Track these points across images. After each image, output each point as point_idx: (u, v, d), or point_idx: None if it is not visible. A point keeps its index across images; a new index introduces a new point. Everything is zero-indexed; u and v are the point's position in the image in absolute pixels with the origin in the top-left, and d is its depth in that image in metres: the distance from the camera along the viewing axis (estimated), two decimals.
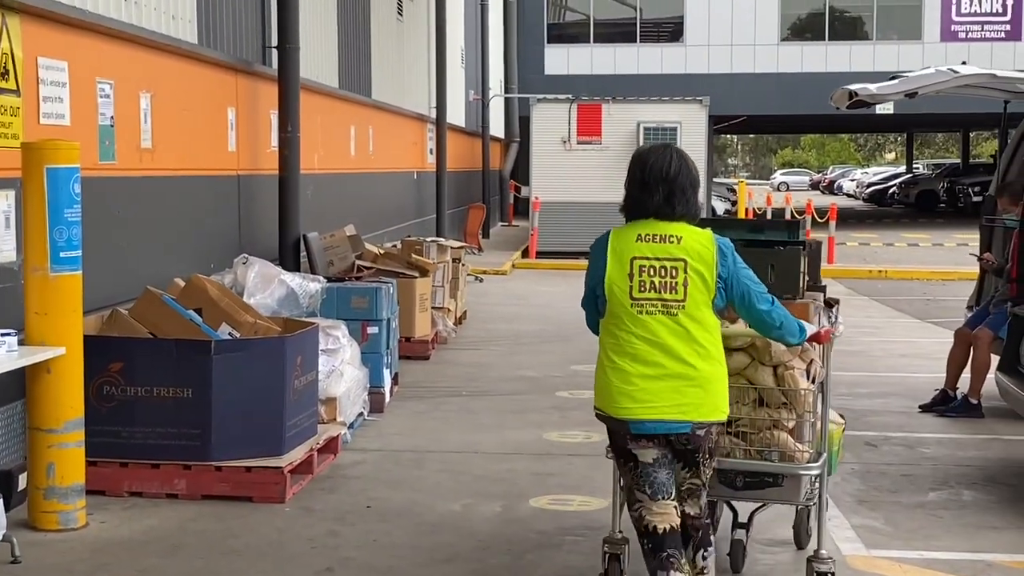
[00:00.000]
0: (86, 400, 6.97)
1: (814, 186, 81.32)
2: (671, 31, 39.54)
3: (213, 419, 7.40)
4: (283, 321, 8.50)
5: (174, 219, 9.92)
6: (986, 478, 8.22)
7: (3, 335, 6.38)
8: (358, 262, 12.76)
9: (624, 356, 5.00)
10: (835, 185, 75.09)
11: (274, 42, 12.11)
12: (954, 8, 37.78)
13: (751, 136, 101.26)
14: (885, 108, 26.81)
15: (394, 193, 19.85)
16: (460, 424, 9.76)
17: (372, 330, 10.33)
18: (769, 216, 29.23)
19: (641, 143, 26.10)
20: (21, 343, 6.59)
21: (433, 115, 22.93)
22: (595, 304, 5.16)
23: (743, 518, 6.27)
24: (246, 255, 9.81)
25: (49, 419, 6.70)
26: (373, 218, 17.37)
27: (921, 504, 7.51)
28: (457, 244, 15.53)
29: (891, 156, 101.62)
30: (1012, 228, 10.00)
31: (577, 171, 24.85)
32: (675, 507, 5.07)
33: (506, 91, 36.02)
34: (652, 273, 4.95)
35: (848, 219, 40.59)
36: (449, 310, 14.31)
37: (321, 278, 9.99)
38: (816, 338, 5.43)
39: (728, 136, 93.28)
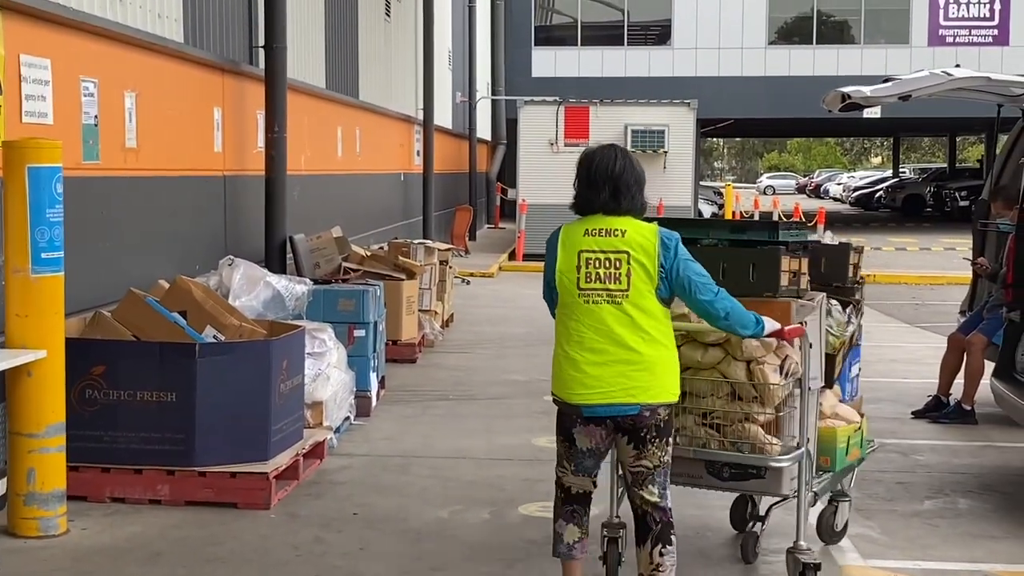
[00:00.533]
0: (68, 404, 6.84)
1: (800, 190, 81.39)
2: (658, 34, 39.47)
3: (197, 424, 7.27)
4: (269, 324, 8.38)
5: (159, 220, 9.79)
6: (982, 486, 8.12)
7: None
8: (345, 264, 12.65)
9: (574, 344, 5.29)
10: (821, 189, 75.18)
11: (261, 42, 12.00)
12: (942, 13, 37.79)
13: (737, 139, 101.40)
14: (872, 112, 26.80)
15: (381, 195, 19.73)
16: (447, 429, 9.65)
17: (359, 333, 10.21)
18: (756, 219, 29.15)
19: (629, 146, 26.11)
20: (1, 346, 6.48)
21: (420, 116, 22.82)
22: (552, 297, 5.47)
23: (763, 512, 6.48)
24: (231, 257, 9.68)
25: (30, 423, 6.57)
26: (360, 220, 17.26)
27: (917, 513, 7.42)
28: (444, 246, 15.41)
29: (877, 160, 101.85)
30: (1006, 232, 9.92)
31: (564, 174, 24.22)
32: (593, 481, 5.48)
33: (493, 93, 35.94)
34: (598, 265, 5.24)
35: (835, 223, 40.53)
36: (436, 313, 14.20)
37: (307, 280, 9.86)
38: (779, 334, 5.54)
39: (714, 139, 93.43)
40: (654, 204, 25.36)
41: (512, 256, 25.52)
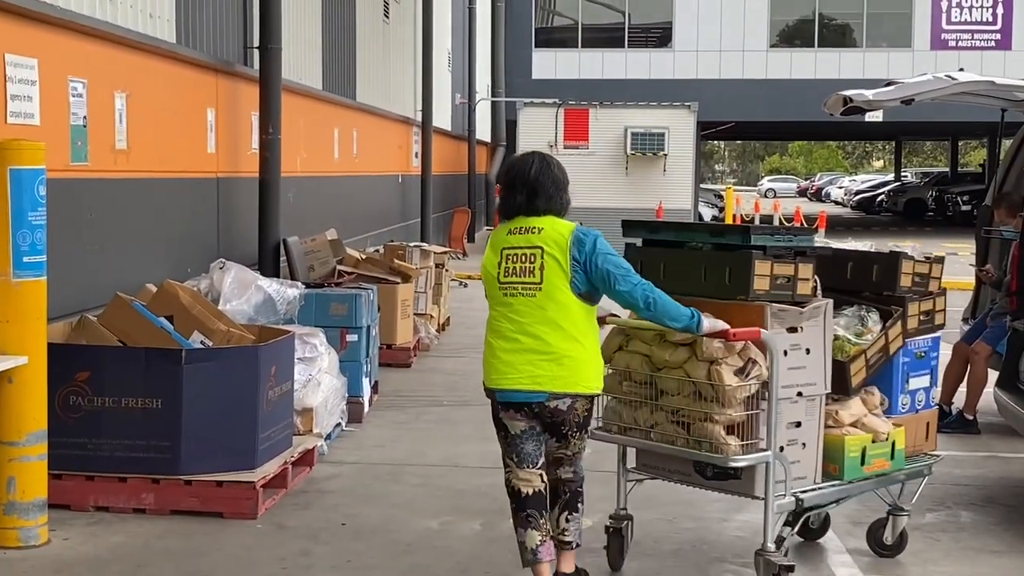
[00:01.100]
0: (52, 411, 6.71)
1: (801, 193, 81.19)
2: (659, 36, 39.29)
3: (183, 431, 7.12)
4: (258, 329, 8.23)
5: (150, 222, 9.64)
6: (984, 498, 7.97)
7: None
8: (339, 267, 12.51)
9: (494, 333, 5.69)
10: (823, 192, 75.01)
11: (256, 42, 11.86)
12: (944, 17, 37.63)
13: (738, 142, 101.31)
14: (874, 116, 26.67)
15: (378, 197, 19.59)
16: (441, 435, 9.50)
17: (351, 337, 10.06)
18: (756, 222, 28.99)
19: (629, 149, 25.98)
20: None
21: (419, 118, 22.68)
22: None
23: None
24: (223, 260, 9.55)
25: (10, 431, 6.42)
26: (356, 222, 17.12)
27: (918, 526, 7.23)
28: (441, 249, 15.26)
29: (879, 164, 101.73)
30: (1010, 240, 9.77)
31: None
32: (540, 475, 5.66)
33: (493, 95, 35.78)
34: (515, 260, 5.59)
35: (837, 227, 40.43)
36: (432, 316, 14.05)
37: (299, 284, 9.73)
38: (723, 335, 5.61)
39: (715, 142, 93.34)
40: (654, 207, 25.27)
41: None
